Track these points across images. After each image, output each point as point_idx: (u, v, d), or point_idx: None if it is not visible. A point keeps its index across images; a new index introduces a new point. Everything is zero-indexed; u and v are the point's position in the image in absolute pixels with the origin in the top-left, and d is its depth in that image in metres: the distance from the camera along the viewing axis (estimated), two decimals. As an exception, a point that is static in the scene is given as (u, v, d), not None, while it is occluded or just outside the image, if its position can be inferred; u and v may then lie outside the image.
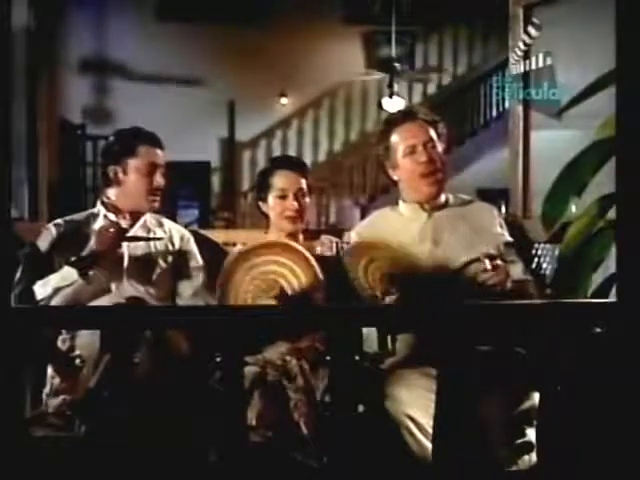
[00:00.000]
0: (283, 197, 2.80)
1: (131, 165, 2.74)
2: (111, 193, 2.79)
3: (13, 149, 1.55)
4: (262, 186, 2.86)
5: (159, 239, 2.78)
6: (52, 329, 2.52)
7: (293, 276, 2.49)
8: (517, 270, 2.55)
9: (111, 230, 2.63)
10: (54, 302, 2.57)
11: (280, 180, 2.81)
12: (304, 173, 2.85)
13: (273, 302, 2.46)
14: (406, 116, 2.69)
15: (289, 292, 2.46)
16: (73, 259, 2.61)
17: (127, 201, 2.77)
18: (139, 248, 2.74)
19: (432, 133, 2.64)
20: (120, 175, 2.75)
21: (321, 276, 2.47)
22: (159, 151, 2.80)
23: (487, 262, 2.41)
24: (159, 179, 2.78)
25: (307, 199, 2.83)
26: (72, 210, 2.92)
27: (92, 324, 1.83)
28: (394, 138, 2.65)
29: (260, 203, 2.87)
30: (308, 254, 2.53)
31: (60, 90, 8.88)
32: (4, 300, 1.56)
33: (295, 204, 2.79)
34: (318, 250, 2.82)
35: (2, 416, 1.56)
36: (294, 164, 2.91)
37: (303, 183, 2.82)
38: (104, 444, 1.84)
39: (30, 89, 4.27)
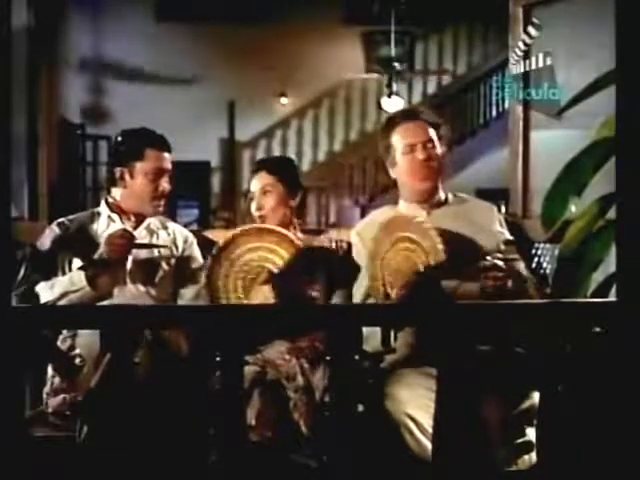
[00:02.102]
0: (249, 197, 2.85)
1: (138, 168, 2.73)
2: (116, 194, 2.78)
3: (13, 149, 1.55)
4: (249, 191, 2.89)
5: (165, 247, 2.78)
6: (52, 329, 2.52)
7: (277, 257, 2.52)
8: (518, 269, 2.55)
9: (121, 238, 2.63)
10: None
11: (255, 183, 2.86)
12: (281, 178, 2.82)
13: (264, 288, 2.49)
14: (408, 115, 2.71)
15: (277, 273, 2.49)
16: (83, 264, 2.61)
17: (132, 203, 2.76)
18: (142, 251, 2.74)
19: (432, 134, 2.64)
20: (126, 177, 2.74)
21: (302, 247, 2.51)
22: (167, 155, 2.77)
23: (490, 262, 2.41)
24: (165, 184, 2.76)
25: (272, 203, 2.80)
26: (72, 210, 2.92)
27: (92, 324, 1.83)
28: (394, 137, 2.66)
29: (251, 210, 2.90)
30: (284, 231, 2.56)
31: (60, 90, 8.88)
32: (4, 300, 1.56)
33: (258, 208, 2.81)
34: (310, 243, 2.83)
35: (2, 416, 1.56)
36: (268, 163, 2.95)
37: (274, 185, 2.81)
38: (104, 444, 1.84)
39: (30, 89, 4.27)
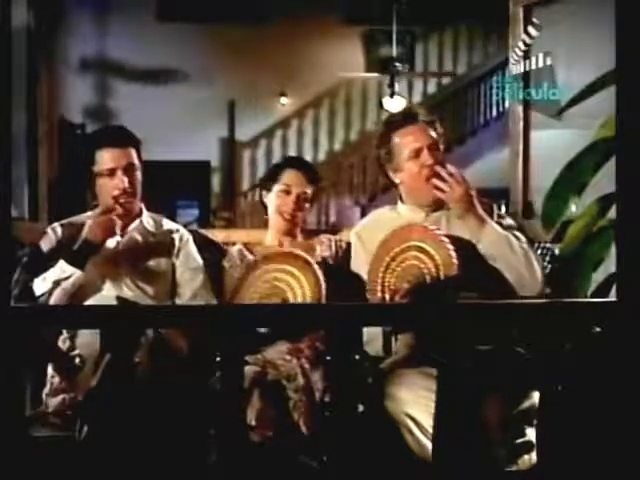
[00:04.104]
0: (286, 192, 2.81)
1: (94, 172, 2.71)
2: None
3: (13, 149, 1.55)
4: (270, 177, 2.88)
5: (154, 234, 2.78)
6: (52, 329, 2.52)
7: (299, 287, 2.50)
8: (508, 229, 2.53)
9: (102, 219, 2.63)
10: (55, 295, 2.57)
11: (288, 177, 2.83)
12: (313, 180, 2.85)
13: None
14: (407, 118, 2.66)
15: (291, 301, 2.49)
16: (69, 254, 2.61)
17: (106, 205, 2.73)
18: (137, 248, 2.74)
19: (433, 134, 2.63)
20: (92, 182, 2.73)
21: (324, 293, 2.48)
22: (120, 151, 2.70)
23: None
24: (121, 180, 2.67)
25: (307, 205, 2.83)
26: (72, 210, 2.91)
27: (92, 324, 1.83)
28: (396, 141, 2.62)
29: (264, 192, 2.89)
30: (317, 268, 2.53)
31: (60, 90, 8.88)
32: (4, 300, 1.56)
33: (294, 205, 2.79)
34: (317, 249, 2.82)
35: (2, 416, 1.56)
36: (307, 168, 2.92)
37: (309, 189, 2.83)
38: (104, 444, 1.84)
39: (30, 89, 4.27)
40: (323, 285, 2.49)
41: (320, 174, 3.00)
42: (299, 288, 2.51)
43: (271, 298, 2.51)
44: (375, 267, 2.50)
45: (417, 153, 2.59)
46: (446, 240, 2.40)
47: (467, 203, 2.47)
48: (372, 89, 10.00)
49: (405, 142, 2.61)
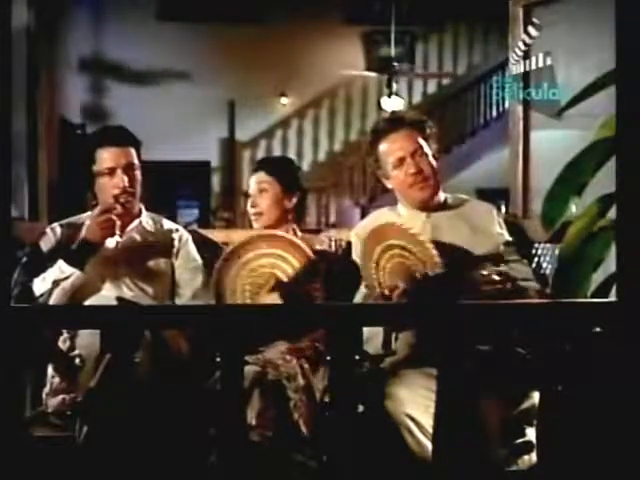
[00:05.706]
0: (248, 196, 2.86)
1: (94, 171, 2.71)
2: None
3: (13, 149, 1.55)
4: (247, 192, 2.92)
5: (153, 234, 2.78)
6: (52, 329, 2.53)
7: (286, 264, 2.53)
8: (517, 272, 2.54)
9: (101, 219, 2.62)
10: (54, 295, 2.57)
11: (251, 182, 2.85)
12: (278, 178, 2.83)
13: (272, 295, 2.50)
14: (391, 125, 2.66)
15: (285, 281, 2.50)
16: (68, 254, 2.61)
17: (105, 204, 2.73)
18: (136, 248, 2.74)
19: (419, 139, 2.61)
20: (93, 182, 2.73)
21: (313, 256, 2.52)
22: (120, 150, 2.70)
23: (490, 273, 2.42)
24: (121, 180, 2.68)
25: (267, 202, 2.82)
26: (72, 210, 2.92)
27: (92, 324, 1.83)
28: (382, 149, 2.63)
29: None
30: (295, 239, 2.57)
31: (60, 90, 8.88)
32: (4, 300, 1.56)
33: (253, 206, 2.82)
34: (317, 248, 2.82)
35: (2, 416, 1.56)
36: (271, 167, 2.90)
37: (271, 184, 2.82)
38: (104, 444, 1.85)
39: (30, 89, 4.26)
40: (307, 249, 2.55)
41: (283, 168, 2.96)
42: (287, 265, 2.55)
43: (264, 286, 2.54)
44: (366, 265, 2.50)
45: (401, 162, 2.59)
46: (423, 238, 2.40)
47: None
48: (372, 89, 10.01)
49: (389, 151, 2.61)
